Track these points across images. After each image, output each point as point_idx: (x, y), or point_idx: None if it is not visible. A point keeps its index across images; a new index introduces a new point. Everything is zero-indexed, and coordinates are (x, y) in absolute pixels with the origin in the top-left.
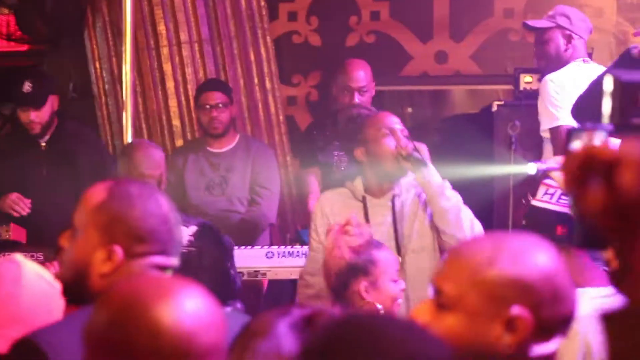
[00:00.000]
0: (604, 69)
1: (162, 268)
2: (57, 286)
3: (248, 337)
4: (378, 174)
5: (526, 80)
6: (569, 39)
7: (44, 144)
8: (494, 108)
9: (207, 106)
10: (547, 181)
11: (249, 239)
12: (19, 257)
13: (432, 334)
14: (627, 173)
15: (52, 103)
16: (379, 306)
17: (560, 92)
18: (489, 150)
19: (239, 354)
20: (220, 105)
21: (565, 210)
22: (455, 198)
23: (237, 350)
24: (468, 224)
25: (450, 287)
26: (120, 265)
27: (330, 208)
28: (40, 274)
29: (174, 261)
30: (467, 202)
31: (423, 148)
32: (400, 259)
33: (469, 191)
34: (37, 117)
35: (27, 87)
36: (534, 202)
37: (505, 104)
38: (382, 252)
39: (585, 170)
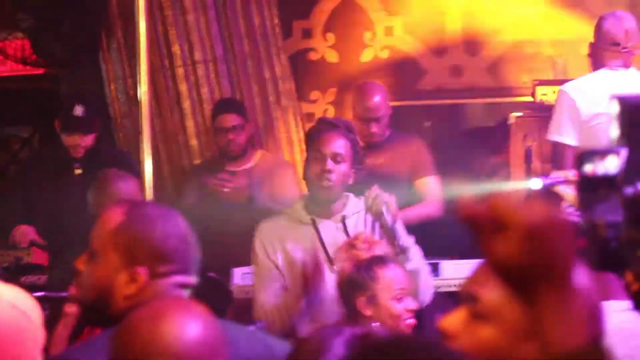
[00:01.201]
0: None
1: (183, 286)
2: (35, 315)
3: (304, 356)
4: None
5: (542, 92)
6: (615, 45)
7: (77, 167)
8: (511, 121)
9: (223, 129)
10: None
11: None
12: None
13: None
14: (511, 240)
15: (97, 128)
16: (376, 324)
17: (572, 106)
18: (506, 163)
19: None
20: (236, 127)
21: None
22: (417, 259)
23: None
24: (424, 289)
25: (489, 297)
26: (144, 286)
27: (276, 236)
28: (14, 304)
29: (194, 280)
30: None
31: (393, 206)
32: None
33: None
34: (84, 141)
35: (78, 111)
36: None
37: (521, 117)
38: (388, 269)
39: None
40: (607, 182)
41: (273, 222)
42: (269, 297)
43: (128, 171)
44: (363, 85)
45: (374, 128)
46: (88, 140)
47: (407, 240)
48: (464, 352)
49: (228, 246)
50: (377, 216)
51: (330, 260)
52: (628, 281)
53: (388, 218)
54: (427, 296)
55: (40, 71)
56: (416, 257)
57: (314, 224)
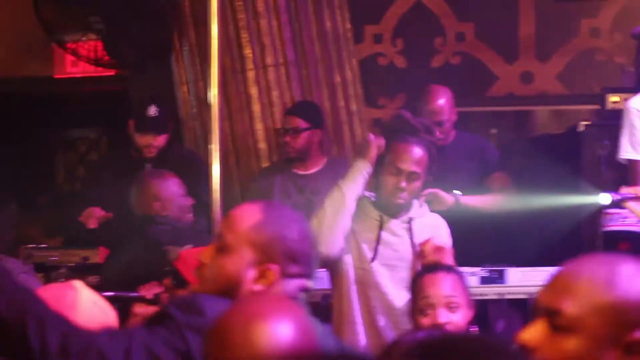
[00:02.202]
0: None
1: (305, 290)
2: (112, 314)
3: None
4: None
5: (613, 100)
6: None
7: (149, 167)
8: (581, 128)
9: (281, 130)
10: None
11: None
12: (77, 283)
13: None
14: None
15: (170, 128)
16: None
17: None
18: (575, 171)
19: None
20: (292, 130)
21: (631, 229)
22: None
23: None
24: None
25: (572, 309)
26: (273, 283)
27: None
28: (95, 301)
29: (313, 285)
30: (554, 225)
31: (448, 255)
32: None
33: (556, 215)
34: (157, 141)
35: (153, 111)
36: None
37: (592, 124)
38: (434, 276)
39: None
40: None
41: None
42: None
43: (197, 171)
44: (429, 87)
45: (436, 132)
46: (161, 140)
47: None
48: None
49: None
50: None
51: (372, 259)
52: None
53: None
54: None
55: (111, 73)
56: None
57: (380, 220)
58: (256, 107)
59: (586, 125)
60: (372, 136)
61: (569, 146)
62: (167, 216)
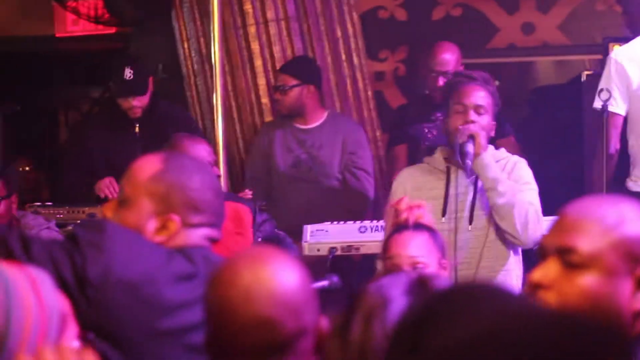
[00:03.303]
0: None
1: (211, 240)
2: None
3: (366, 310)
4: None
5: (615, 48)
6: None
7: (137, 126)
8: (583, 78)
9: (273, 87)
10: None
11: (355, 213)
12: None
13: (534, 305)
14: None
15: (150, 86)
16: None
17: (622, 75)
18: (579, 120)
19: (362, 326)
20: (281, 87)
21: None
22: (509, 194)
23: (360, 323)
24: (521, 223)
25: (587, 245)
26: (175, 234)
27: (411, 183)
28: None
29: (220, 234)
30: (557, 167)
31: (481, 138)
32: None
33: (559, 159)
34: (139, 102)
35: (128, 73)
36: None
37: (594, 74)
38: (402, 236)
39: None
40: None
41: (412, 169)
42: None
43: (186, 130)
44: (437, 43)
45: (441, 82)
46: (144, 100)
47: (497, 173)
48: (559, 302)
49: (299, 203)
50: (461, 147)
51: (444, 211)
52: None
53: (469, 148)
54: (528, 231)
55: (112, 30)
56: (508, 191)
57: (447, 172)
58: (258, 62)
59: (588, 74)
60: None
61: (572, 96)
62: None
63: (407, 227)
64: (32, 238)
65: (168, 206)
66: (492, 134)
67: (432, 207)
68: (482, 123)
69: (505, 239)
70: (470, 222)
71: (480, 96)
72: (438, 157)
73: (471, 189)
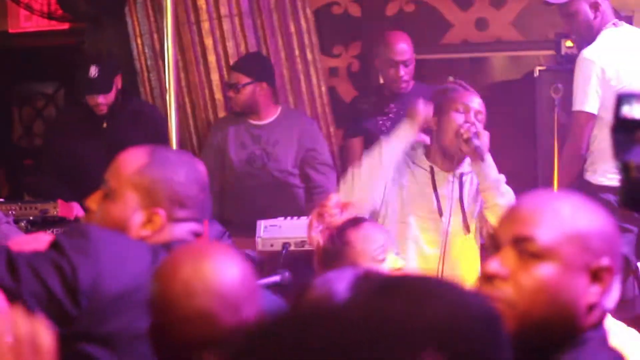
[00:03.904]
0: (636, 29)
1: (196, 234)
2: None
3: (312, 303)
4: (441, 146)
5: (567, 45)
6: (595, 6)
7: (104, 122)
8: (536, 73)
9: (225, 85)
10: None
11: None
12: (44, 236)
13: (479, 295)
14: None
15: (117, 84)
16: None
17: (598, 75)
18: (532, 115)
19: None
20: (235, 85)
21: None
22: (509, 194)
23: None
24: None
25: (544, 236)
26: (160, 228)
27: (397, 169)
28: None
29: (204, 229)
30: (510, 163)
31: (485, 137)
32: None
33: (512, 153)
34: (105, 99)
35: (93, 71)
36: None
37: (547, 69)
38: (361, 230)
39: None
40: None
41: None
42: None
43: (151, 126)
44: (389, 33)
45: (402, 71)
46: (110, 97)
47: (496, 172)
48: (515, 293)
49: (253, 199)
50: (467, 142)
51: (440, 211)
52: None
53: (477, 143)
54: None
55: (65, 26)
56: (508, 193)
57: (432, 171)
58: (211, 58)
59: (541, 70)
60: (421, 103)
61: (525, 91)
62: None
63: (360, 220)
64: (16, 258)
65: (153, 200)
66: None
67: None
68: (481, 127)
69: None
70: (464, 223)
71: (479, 103)
72: (420, 153)
73: (457, 190)
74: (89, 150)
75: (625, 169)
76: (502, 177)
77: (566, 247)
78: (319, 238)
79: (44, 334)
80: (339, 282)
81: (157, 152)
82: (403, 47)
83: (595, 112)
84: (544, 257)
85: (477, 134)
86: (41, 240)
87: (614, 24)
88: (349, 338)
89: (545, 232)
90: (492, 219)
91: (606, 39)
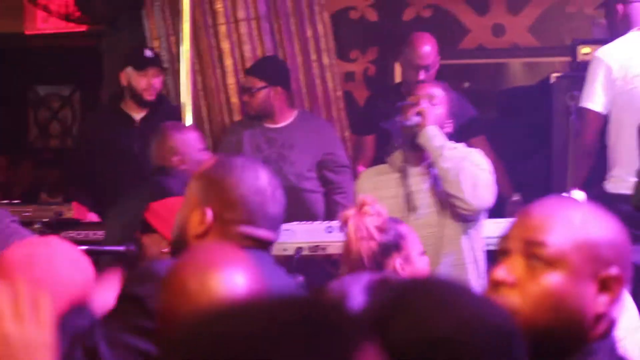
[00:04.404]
0: None
1: (258, 240)
2: (89, 270)
3: None
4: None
5: (584, 51)
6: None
7: (138, 120)
8: (552, 80)
9: (242, 89)
10: None
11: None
12: (53, 239)
13: (494, 302)
14: None
15: (164, 75)
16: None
17: (608, 73)
18: (547, 122)
19: None
20: (248, 90)
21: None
22: (456, 160)
23: None
24: (469, 185)
25: (555, 244)
26: (210, 227)
27: (368, 184)
28: (72, 259)
29: (266, 234)
30: (524, 169)
31: (428, 113)
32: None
33: (527, 160)
34: (156, 82)
35: (148, 53)
36: None
37: (563, 76)
38: (404, 226)
39: None
40: None
41: (373, 170)
42: None
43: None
44: (416, 34)
45: (422, 76)
46: (159, 82)
47: (444, 142)
48: (523, 301)
49: None
50: (405, 124)
51: (410, 207)
52: None
53: (413, 119)
54: (477, 195)
55: (82, 28)
56: (456, 157)
57: (404, 170)
58: (228, 62)
59: (557, 76)
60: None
61: (541, 98)
62: (183, 170)
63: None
64: (114, 344)
65: (206, 200)
66: (450, 130)
67: (389, 205)
68: (434, 110)
69: (458, 214)
70: (439, 213)
71: (435, 90)
72: (397, 157)
73: (427, 185)
74: (120, 147)
75: None
76: (449, 144)
77: (575, 255)
78: (371, 233)
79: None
80: (354, 285)
81: (223, 158)
82: (426, 50)
83: (600, 109)
84: (553, 264)
85: (418, 112)
86: (41, 249)
87: (639, 28)
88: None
89: (556, 239)
90: (443, 184)
91: (623, 41)
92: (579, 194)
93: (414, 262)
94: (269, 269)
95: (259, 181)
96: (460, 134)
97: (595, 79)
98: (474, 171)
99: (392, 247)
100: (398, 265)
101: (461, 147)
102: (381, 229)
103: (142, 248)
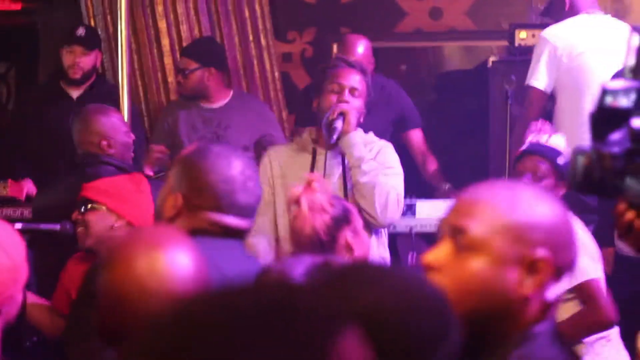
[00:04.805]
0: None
1: (226, 228)
2: (20, 248)
3: None
4: (319, 128)
5: (521, 36)
6: None
7: (75, 98)
8: (490, 64)
9: (177, 70)
10: None
11: None
12: None
13: (433, 285)
14: None
15: (96, 56)
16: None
17: (553, 53)
18: (485, 106)
19: None
20: (184, 71)
21: None
22: (372, 174)
23: None
24: (382, 202)
25: (477, 228)
26: (180, 212)
27: (278, 161)
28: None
29: (235, 222)
30: (462, 153)
31: (351, 116)
32: None
33: (465, 144)
34: (82, 61)
35: (80, 31)
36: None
37: (500, 60)
38: (346, 201)
39: None
40: (621, 115)
41: (280, 148)
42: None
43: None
44: (346, 37)
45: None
46: (87, 62)
47: (363, 153)
48: (448, 285)
49: None
50: (330, 123)
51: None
52: (620, 211)
53: (338, 124)
54: (387, 213)
55: (17, 6)
56: (372, 171)
57: (314, 153)
58: (165, 41)
59: (494, 61)
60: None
61: (478, 82)
62: (112, 155)
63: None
64: None
65: (178, 185)
66: (362, 120)
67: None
68: (355, 105)
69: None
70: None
71: (356, 80)
72: (306, 138)
73: (339, 169)
74: (58, 123)
75: (598, 159)
76: (368, 157)
77: (499, 239)
78: (324, 207)
79: None
80: (297, 268)
81: (202, 145)
82: (360, 53)
83: (543, 87)
84: (475, 249)
85: (341, 114)
86: None
87: (588, 12)
88: (264, 319)
89: (477, 224)
90: (357, 197)
91: (570, 22)
92: (559, 139)
93: (362, 235)
94: (233, 255)
95: (230, 170)
96: (396, 126)
97: (540, 58)
98: (386, 188)
99: (342, 220)
100: (350, 238)
101: (376, 143)
102: (331, 204)
103: (86, 226)
